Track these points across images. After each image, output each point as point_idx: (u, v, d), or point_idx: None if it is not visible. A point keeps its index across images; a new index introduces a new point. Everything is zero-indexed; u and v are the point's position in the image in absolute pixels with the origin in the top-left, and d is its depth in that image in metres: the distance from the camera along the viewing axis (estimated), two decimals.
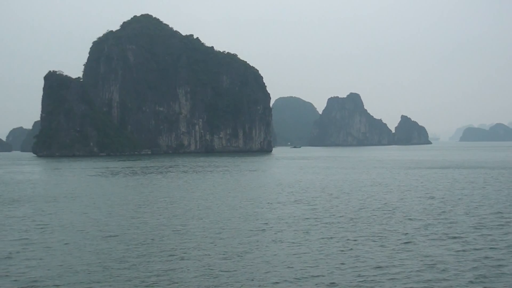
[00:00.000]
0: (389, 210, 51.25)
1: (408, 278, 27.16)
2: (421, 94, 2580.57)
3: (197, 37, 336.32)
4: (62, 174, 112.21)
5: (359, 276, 27.63)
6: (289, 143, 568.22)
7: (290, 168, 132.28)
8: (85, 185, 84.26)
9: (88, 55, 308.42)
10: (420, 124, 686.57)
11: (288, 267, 29.63)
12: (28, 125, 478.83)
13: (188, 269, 29.20)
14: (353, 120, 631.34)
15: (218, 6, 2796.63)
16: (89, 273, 28.48)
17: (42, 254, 33.30)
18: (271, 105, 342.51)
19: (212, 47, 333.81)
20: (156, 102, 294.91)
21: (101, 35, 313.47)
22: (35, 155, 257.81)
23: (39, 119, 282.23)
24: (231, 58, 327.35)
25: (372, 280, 26.83)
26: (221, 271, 28.79)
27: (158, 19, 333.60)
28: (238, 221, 45.44)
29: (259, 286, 26.22)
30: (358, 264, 29.93)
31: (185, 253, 33.20)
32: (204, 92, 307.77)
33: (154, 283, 26.58)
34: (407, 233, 38.88)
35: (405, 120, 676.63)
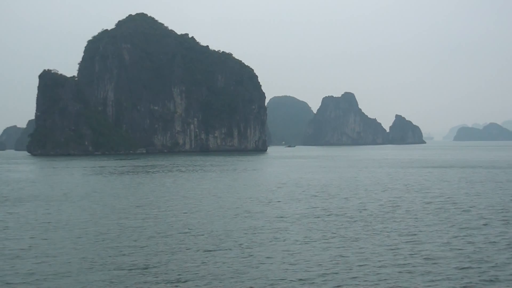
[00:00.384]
0: (389, 209, 51.59)
1: (412, 275, 27.44)
2: (415, 94, 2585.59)
3: (192, 36, 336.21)
4: (59, 173, 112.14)
5: (363, 274, 27.90)
6: (283, 142, 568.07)
7: (286, 167, 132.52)
8: (85, 184, 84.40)
9: (83, 54, 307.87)
10: (414, 123, 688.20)
11: (291, 264, 29.87)
12: (22, 124, 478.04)
13: (190, 267, 29.36)
14: (347, 120, 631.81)
15: (213, 5, 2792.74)
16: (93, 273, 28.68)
17: (47, 252, 33.49)
18: (265, 104, 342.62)
19: (207, 46, 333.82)
20: (151, 101, 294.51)
21: (96, 34, 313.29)
22: (30, 154, 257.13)
23: (33, 117, 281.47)
24: (226, 57, 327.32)
25: (375, 278, 27.10)
26: (224, 269, 29.00)
27: (153, 18, 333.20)
28: (240, 219, 45.68)
29: (263, 284, 26.43)
30: (361, 262, 30.20)
31: (187, 249, 33.41)
32: (199, 91, 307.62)
33: (158, 281, 26.78)
34: (408, 231, 39.20)
35: (399, 119, 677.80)
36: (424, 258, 31.03)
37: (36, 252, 33.51)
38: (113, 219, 46.25)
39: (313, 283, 26.52)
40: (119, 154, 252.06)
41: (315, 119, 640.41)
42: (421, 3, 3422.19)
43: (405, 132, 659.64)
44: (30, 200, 61.27)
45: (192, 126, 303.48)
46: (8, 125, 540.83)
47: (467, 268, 28.85)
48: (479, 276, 27.28)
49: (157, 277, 27.60)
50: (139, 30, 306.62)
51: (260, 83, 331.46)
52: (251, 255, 32.20)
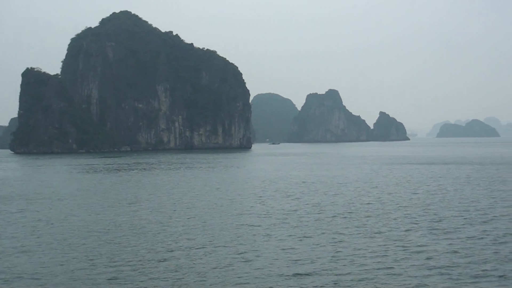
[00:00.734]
0: (378, 205, 52.04)
1: (404, 271, 27.82)
2: (399, 91, 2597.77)
3: (177, 34, 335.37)
4: (44, 172, 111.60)
5: (355, 269, 28.23)
6: (267, 140, 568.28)
7: (273, 164, 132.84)
8: (72, 182, 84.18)
9: (66, 51, 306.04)
10: (398, 120, 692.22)
11: (286, 260, 30.12)
12: (5, 122, 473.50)
13: (183, 264, 29.55)
14: (332, 117, 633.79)
15: (197, 3, 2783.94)
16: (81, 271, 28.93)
17: (36, 250, 33.65)
18: (250, 101, 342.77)
19: (192, 43, 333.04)
20: (136, 99, 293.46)
21: (79, 31, 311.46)
22: (13, 152, 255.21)
23: (16, 116, 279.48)
24: (211, 55, 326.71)
25: (368, 274, 27.45)
26: (219, 265, 29.23)
27: (137, 15, 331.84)
28: (231, 216, 45.82)
29: (259, 280, 26.67)
30: (353, 258, 30.54)
31: (179, 249, 33.53)
32: (184, 88, 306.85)
33: (153, 278, 27.02)
34: (399, 227, 39.61)
35: (383, 116, 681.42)
36: (417, 252, 31.47)
37: (24, 249, 33.68)
38: (105, 217, 46.24)
39: (309, 278, 26.83)
40: (103, 152, 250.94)
41: (299, 116, 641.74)
42: (407, 3, 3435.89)
43: (389, 129, 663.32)
44: (18, 199, 61.06)
45: (176, 123, 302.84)
46: None
47: (458, 262, 29.29)
48: (470, 271, 27.70)
49: (151, 274, 27.76)
50: (123, 27, 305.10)
51: (245, 81, 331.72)
52: (245, 252, 32.41)
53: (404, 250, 32.39)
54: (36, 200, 59.33)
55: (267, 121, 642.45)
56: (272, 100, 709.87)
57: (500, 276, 26.73)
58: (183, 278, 26.99)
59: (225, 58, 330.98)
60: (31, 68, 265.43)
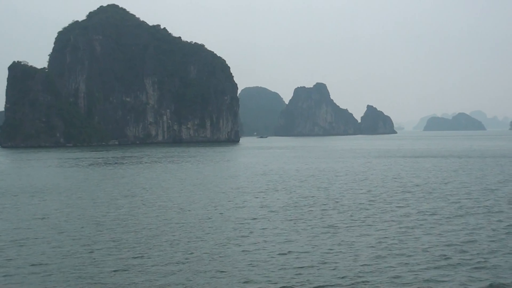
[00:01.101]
0: (370, 197, 52.51)
1: (401, 263, 28.25)
2: (386, 84, 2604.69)
3: (164, 27, 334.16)
4: (33, 165, 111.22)
5: (352, 262, 28.64)
6: (255, 133, 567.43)
7: (262, 158, 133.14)
8: (65, 176, 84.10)
9: (53, 45, 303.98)
10: (385, 114, 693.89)
11: (285, 253, 30.45)
12: None
13: (178, 258, 29.76)
14: (319, 110, 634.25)
15: None
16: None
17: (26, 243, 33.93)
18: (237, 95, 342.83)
19: (180, 37, 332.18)
20: (123, 93, 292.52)
21: (66, 25, 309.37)
22: None
23: (2, 109, 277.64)
24: (199, 48, 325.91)
25: (365, 266, 27.86)
26: (216, 259, 29.51)
27: (124, 9, 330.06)
28: (226, 210, 46.05)
29: (258, 274, 26.97)
30: (350, 250, 30.95)
31: (177, 244, 33.80)
32: (172, 82, 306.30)
33: (148, 273, 27.21)
34: (392, 219, 40.08)
35: (371, 110, 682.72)
36: (412, 245, 31.88)
37: (22, 242, 33.93)
38: (99, 211, 46.58)
39: (309, 270, 27.14)
40: (91, 146, 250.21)
41: (287, 110, 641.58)
42: None
43: (376, 122, 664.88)
44: (11, 193, 61.02)
45: (164, 117, 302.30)
46: None
47: (454, 255, 29.76)
48: (465, 264, 28.13)
49: (146, 269, 27.97)
50: (111, 21, 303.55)
51: (232, 74, 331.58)
52: (241, 245, 32.72)
53: (400, 242, 32.84)
54: (30, 194, 59.36)
55: (254, 114, 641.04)
56: (260, 94, 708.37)
57: (496, 266, 27.35)
58: (181, 270, 27.26)
59: (213, 52, 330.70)
60: (17, 61, 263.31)
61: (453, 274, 26.13)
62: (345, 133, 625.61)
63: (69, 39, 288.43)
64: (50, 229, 38.53)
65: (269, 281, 25.35)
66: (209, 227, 38.29)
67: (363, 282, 25.13)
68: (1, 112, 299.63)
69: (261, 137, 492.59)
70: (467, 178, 70.99)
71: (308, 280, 25.48)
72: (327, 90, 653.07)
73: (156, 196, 56.09)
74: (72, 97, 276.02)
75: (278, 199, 52.93)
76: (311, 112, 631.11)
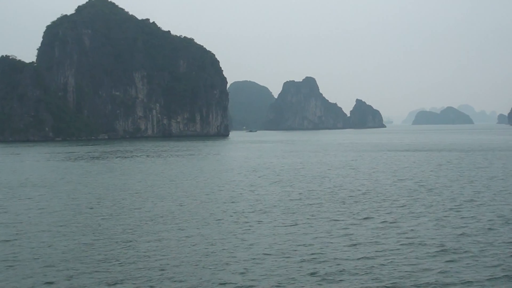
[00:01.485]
0: (365, 191, 52.86)
1: (398, 256, 28.60)
2: (375, 79, 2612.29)
3: (153, 22, 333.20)
4: (23, 160, 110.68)
5: (352, 255, 28.93)
6: (244, 127, 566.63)
7: (253, 152, 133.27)
8: (58, 170, 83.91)
9: (42, 39, 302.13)
10: (374, 108, 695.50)
11: (285, 246, 30.65)
12: None
13: (174, 253, 29.87)
14: (308, 104, 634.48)
15: None
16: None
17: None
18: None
19: (169, 31, 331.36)
20: (113, 87, 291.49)
21: (55, 19, 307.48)
22: None
23: None
24: (188, 43, 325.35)
25: (365, 259, 28.18)
26: (215, 252, 29.68)
27: (113, 3, 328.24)
28: (221, 204, 46.19)
29: (258, 268, 27.12)
30: (350, 243, 31.23)
31: (175, 237, 33.96)
32: (161, 76, 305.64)
33: (146, 268, 27.36)
34: (388, 213, 40.41)
35: (360, 104, 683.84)
36: (409, 239, 32.22)
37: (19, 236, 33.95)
38: (94, 207, 46.67)
39: (311, 264, 27.36)
40: (80, 140, 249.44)
41: (276, 104, 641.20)
42: None
43: (365, 116, 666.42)
44: (4, 187, 60.98)
45: (154, 111, 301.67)
46: None
47: (449, 247, 30.11)
48: (464, 254, 28.54)
49: (141, 265, 28.08)
50: (100, 15, 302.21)
51: (222, 68, 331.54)
52: (241, 238, 32.90)
53: (398, 234, 33.15)
54: (24, 189, 59.24)
55: (243, 108, 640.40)
56: (249, 88, 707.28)
57: (494, 256, 27.66)
58: (179, 265, 27.37)
59: (202, 46, 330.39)
60: (6, 55, 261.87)
61: (452, 265, 26.41)
62: (334, 127, 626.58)
63: (58, 33, 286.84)
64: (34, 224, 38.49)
65: (270, 274, 25.47)
66: (208, 221, 38.40)
67: (366, 273, 25.34)
68: None
69: (251, 131, 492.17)
70: (460, 171, 71.52)
71: (310, 273, 25.68)
72: (316, 84, 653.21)
73: (148, 192, 56.05)
74: (61, 91, 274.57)
75: (273, 192, 53.17)
76: (300, 106, 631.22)
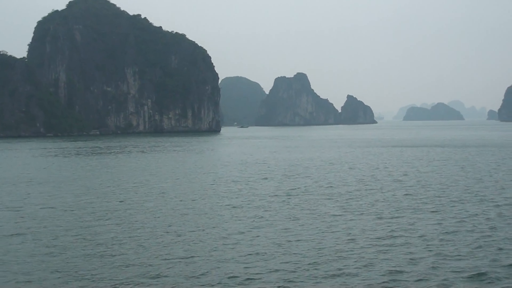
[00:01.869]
0: (359, 186, 53.04)
1: (398, 252, 28.79)
2: (366, 74, 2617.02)
3: (145, 17, 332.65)
4: (17, 156, 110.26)
5: (350, 252, 29.09)
6: (235, 123, 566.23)
7: (246, 147, 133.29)
8: (52, 166, 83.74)
9: (33, 34, 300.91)
10: (365, 104, 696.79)
11: (286, 241, 30.82)
12: None
13: (172, 249, 29.93)
14: (300, 100, 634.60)
15: None
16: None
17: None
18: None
19: (161, 27, 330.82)
20: (104, 82, 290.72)
21: (46, 14, 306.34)
22: None
23: None
24: (180, 38, 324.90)
25: (365, 254, 28.40)
26: (215, 248, 29.82)
27: None
28: (218, 198, 46.34)
29: (258, 263, 27.27)
30: (350, 237, 31.40)
31: (176, 233, 34.07)
32: (153, 72, 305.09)
33: (141, 265, 27.49)
34: (385, 208, 40.64)
35: (351, 99, 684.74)
36: (409, 231, 32.44)
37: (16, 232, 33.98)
38: (89, 202, 46.69)
39: (313, 259, 27.50)
40: (72, 136, 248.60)
41: (267, 100, 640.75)
42: None
43: (356, 112, 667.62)
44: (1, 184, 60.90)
45: (145, 107, 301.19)
46: None
47: (444, 241, 30.33)
48: (462, 249, 28.75)
49: (138, 261, 28.23)
50: (91, 10, 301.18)
51: (213, 64, 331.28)
52: (241, 233, 33.03)
53: (397, 229, 33.38)
54: (19, 185, 59.16)
55: (235, 104, 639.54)
56: (240, 84, 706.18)
57: (494, 250, 27.93)
58: (173, 259, 27.52)
59: (194, 42, 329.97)
60: None
61: (450, 260, 26.70)
62: (326, 123, 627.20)
63: (49, 29, 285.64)
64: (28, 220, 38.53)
65: (271, 270, 25.68)
66: (206, 216, 38.54)
67: (365, 269, 25.59)
68: None
69: (242, 126, 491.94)
70: (454, 167, 71.95)
71: (308, 268, 25.89)
72: (308, 80, 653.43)
73: (143, 189, 56.10)
74: (52, 87, 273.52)
75: (269, 187, 53.31)
76: (291, 102, 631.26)
